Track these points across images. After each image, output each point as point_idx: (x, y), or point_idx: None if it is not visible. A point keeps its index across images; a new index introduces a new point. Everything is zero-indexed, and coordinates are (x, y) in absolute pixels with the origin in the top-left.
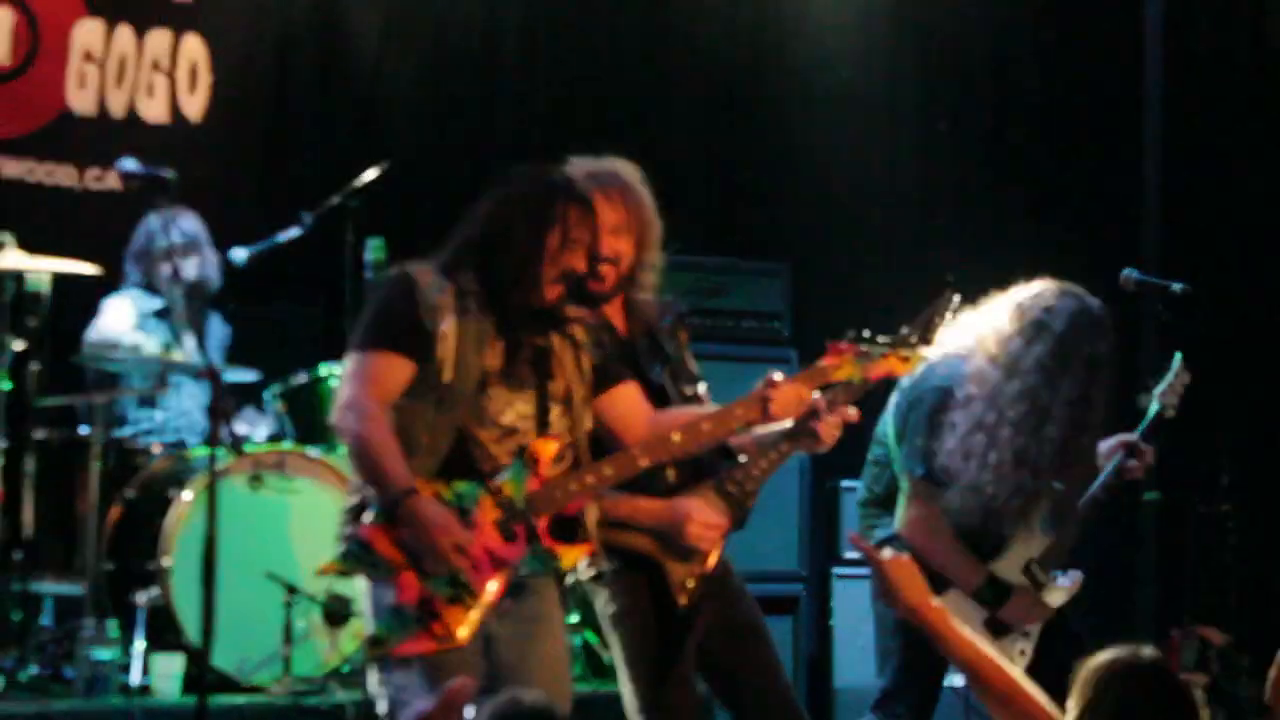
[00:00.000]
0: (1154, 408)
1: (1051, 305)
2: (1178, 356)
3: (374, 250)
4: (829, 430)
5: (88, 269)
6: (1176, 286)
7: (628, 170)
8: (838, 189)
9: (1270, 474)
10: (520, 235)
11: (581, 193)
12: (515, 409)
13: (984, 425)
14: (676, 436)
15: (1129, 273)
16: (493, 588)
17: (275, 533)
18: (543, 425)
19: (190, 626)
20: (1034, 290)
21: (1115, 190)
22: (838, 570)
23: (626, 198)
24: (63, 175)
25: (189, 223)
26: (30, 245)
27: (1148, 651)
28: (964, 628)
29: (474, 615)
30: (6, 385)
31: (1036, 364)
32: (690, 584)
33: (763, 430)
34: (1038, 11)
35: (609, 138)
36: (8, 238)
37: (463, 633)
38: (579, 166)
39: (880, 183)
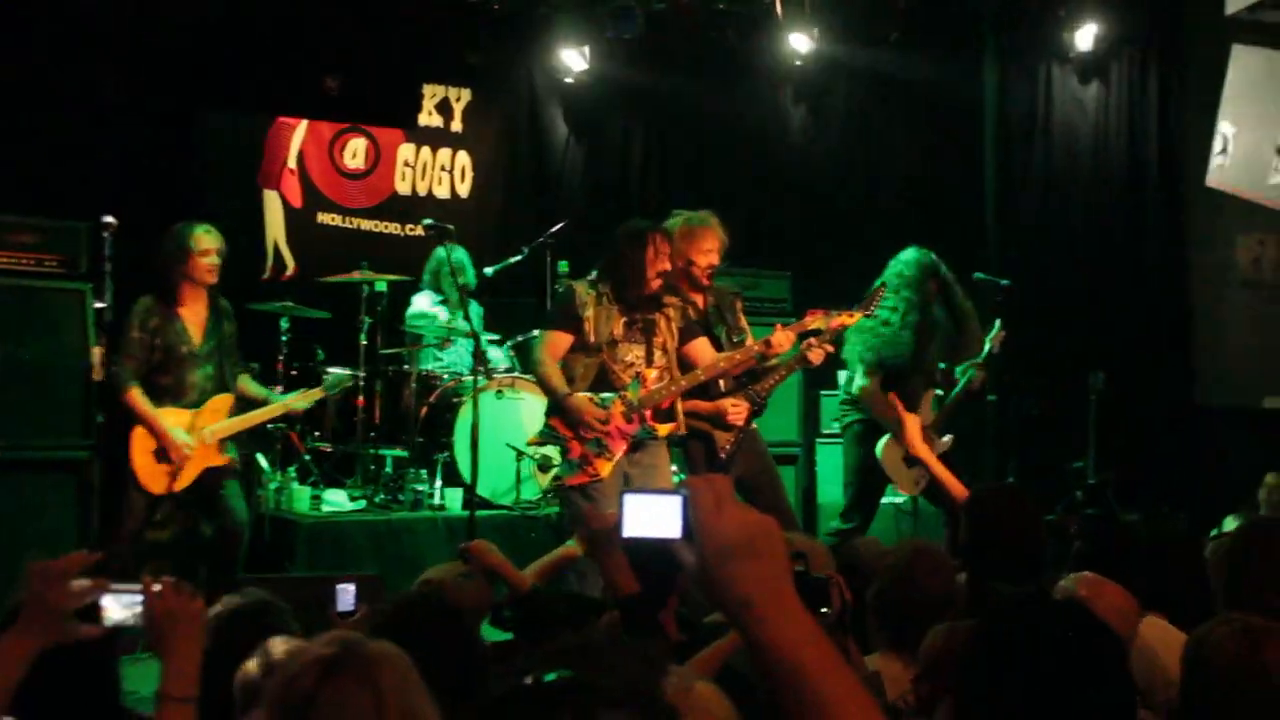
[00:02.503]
0: (986, 348)
1: (907, 261)
2: (997, 322)
3: (561, 268)
4: (816, 356)
5: (405, 278)
6: (1004, 282)
7: (713, 216)
8: (819, 230)
9: (1065, 391)
10: (627, 255)
11: (660, 229)
12: (633, 353)
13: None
14: (722, 362)
15: (977, 275)
16: (620, 450)
17: (511, 422)
18: (649, 361)
19: (465, 473)
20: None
21: (967, 220)
22: (819, 440)
23: (715, 231)
24: (393, 228)
25: (459, 253)
26: (375, 267)
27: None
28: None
29: (610, 463)
30: (363, 340)
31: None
32: (728, 445)
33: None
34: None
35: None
36: (365, 263)
37: (605, 471)
38: (686, 213)
39: (841, 222)
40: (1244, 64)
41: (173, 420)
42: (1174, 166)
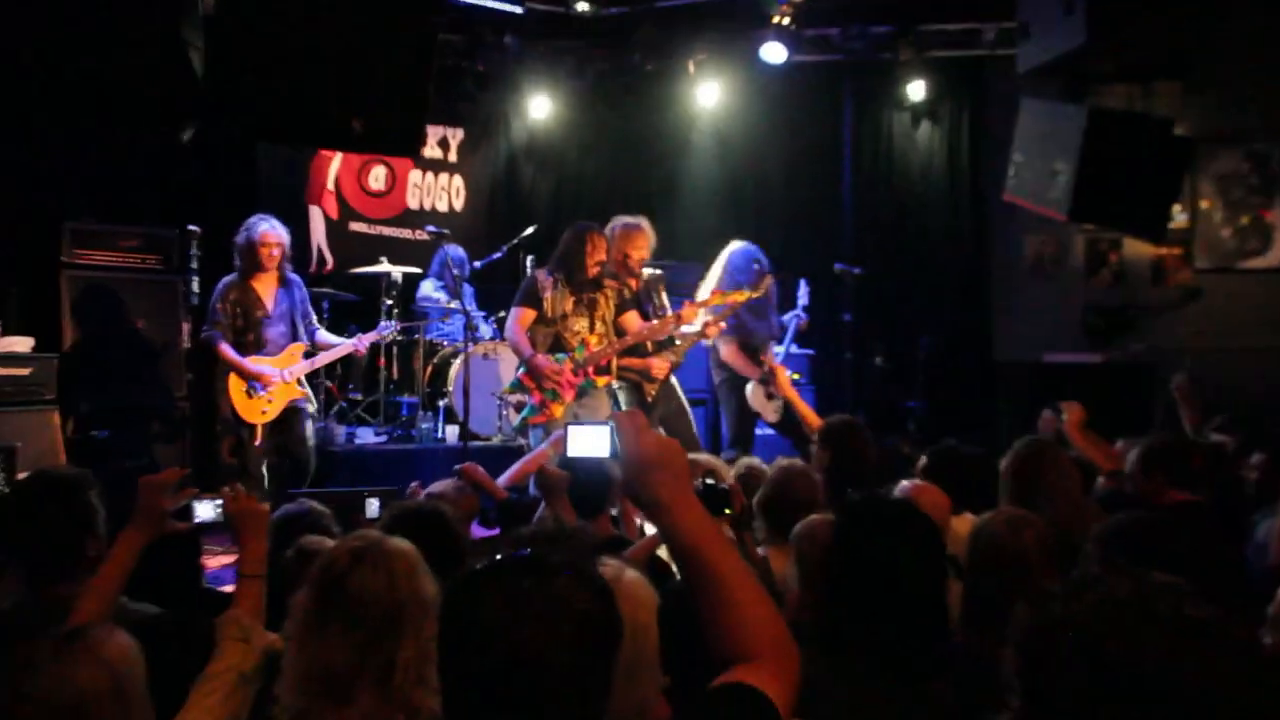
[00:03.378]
0: (799, 302)
1: (733, 250)
2: (802, 281)
3: (529, 261)
4: (712, 331)
5: (416, 270)
6: (858, 270)
7: (645, 222)
8: (723, 231)
9: (902, 350)
10: (573, 249)
11: (597, 229)
12: (579, 324)
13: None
14: (645, 330)
15: (838, 265)
16: (569, 397)
17: (493, 376)
18: (591, 330)
19: (460, 414)
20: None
21: (832, 225)
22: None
23: (646, 234)
24: (405, 233)
25: (456, 251)
26: (393, 262)
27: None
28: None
29: (563, 406)
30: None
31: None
32: (653, 392)
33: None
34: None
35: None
36: (384, 259)
37: (558, 413)
38: (624, 218)
39: (739, 225)
40: (1029, 110)
41: (259, 364)
42: (981, 185)
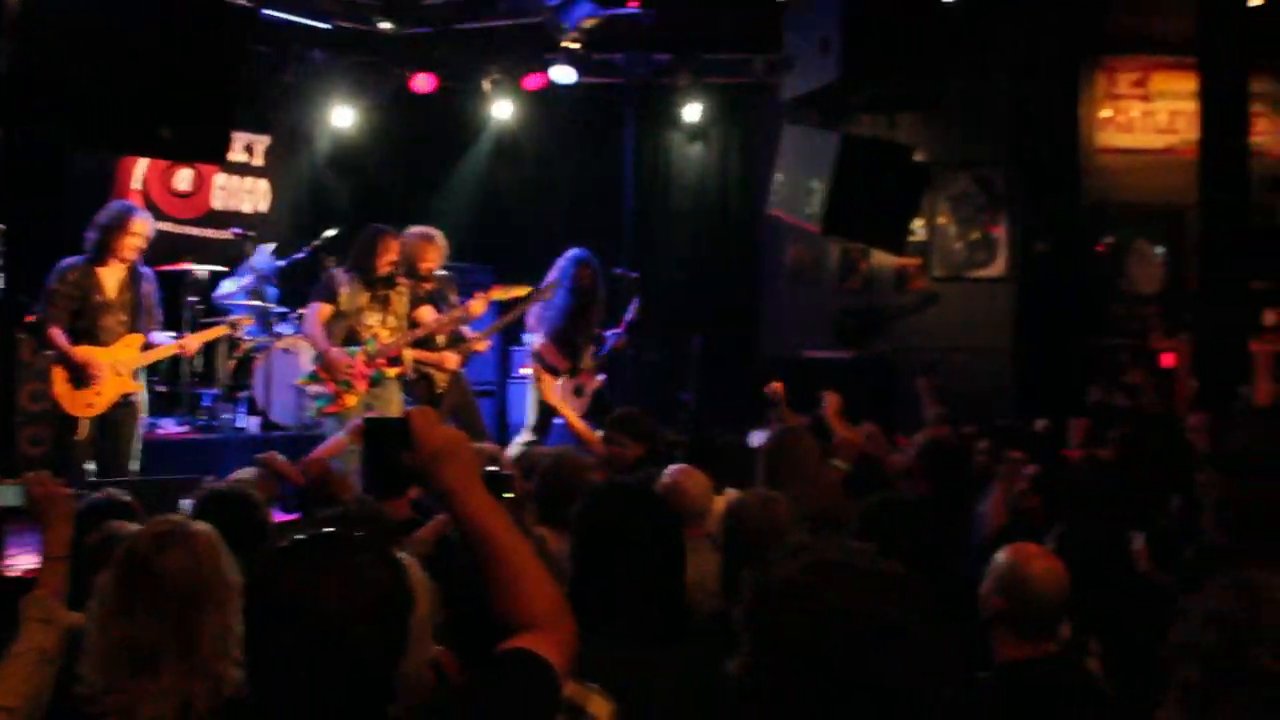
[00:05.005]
0: (625, 318)
1: (570, 257)
2: (634, 301)
3: (331, 261)
4: (480, 345)
5: (221, 268)
6: (635, 274)
7: (438, 234)
8: (511, 237)
9: (677, 348)
10: (366, 249)
11: (388, 231)
12: (373, 318)
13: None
14: (434, 324)
15: (615, 270)
16: (362, 387)
17: (294, 368)
18: (384, 325)
19: (261, 404)
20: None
21: (613, 233)
22: (510, 380)
23: (437, 244)
24: (210, 233)
25: (264, 255)
26: (199, 260)
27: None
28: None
29: (356, 397)
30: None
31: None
32: (444, 384)
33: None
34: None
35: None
36: (191, 259)
37: (351, 403)
38: (418, 229)
39: (526, 232)
40: (790, 135)
41: (89, 354)
42: (749, 199)
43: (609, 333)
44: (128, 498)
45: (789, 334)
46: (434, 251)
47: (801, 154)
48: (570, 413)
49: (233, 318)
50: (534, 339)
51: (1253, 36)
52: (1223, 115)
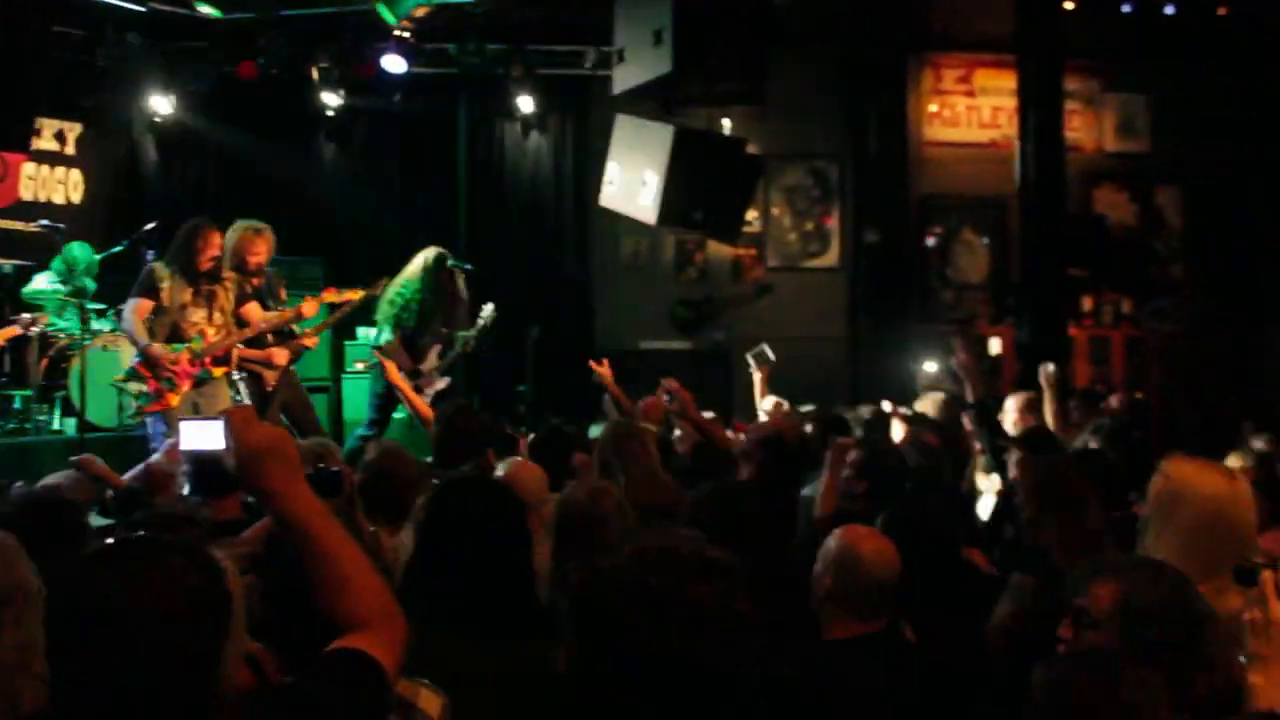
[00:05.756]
0: (480, 323)
1: (427, 255)
2: (489, 306)
3: (151, 255)
4: (309, 342)
5: (28, 262)
6: (469, 266)
7: (266, 228)
8: (342, 230)
9: (512, 340)
10: (188, 242)
11: (209, 225)
12: (198, 314)
13: None
14: (262, 323)
15: (450, 261)
16: (186, 386)
17: (112, 367)
18: (210, 321)
19: (77, 405)
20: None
21: (445, 224)
22: (344, 375)
23: (265, 238)
24: (18, 224)
25: (79, 246)
26: (4, 254)
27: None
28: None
29: (178, 396)
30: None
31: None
32: (273, 381)
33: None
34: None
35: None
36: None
37: (174, 402)
38: (244, 222)
39: (357, 224)
40: (622, 126)
41: None
42: (583, 191)
43: (460, 336)
44: None
45: (626, 325)
46: (262, 245)
47: (635, 146)
48: (412, 392)
49: (26, 316)
50: (381, 335)
51: (1068, 36)
52: (1040, 112)
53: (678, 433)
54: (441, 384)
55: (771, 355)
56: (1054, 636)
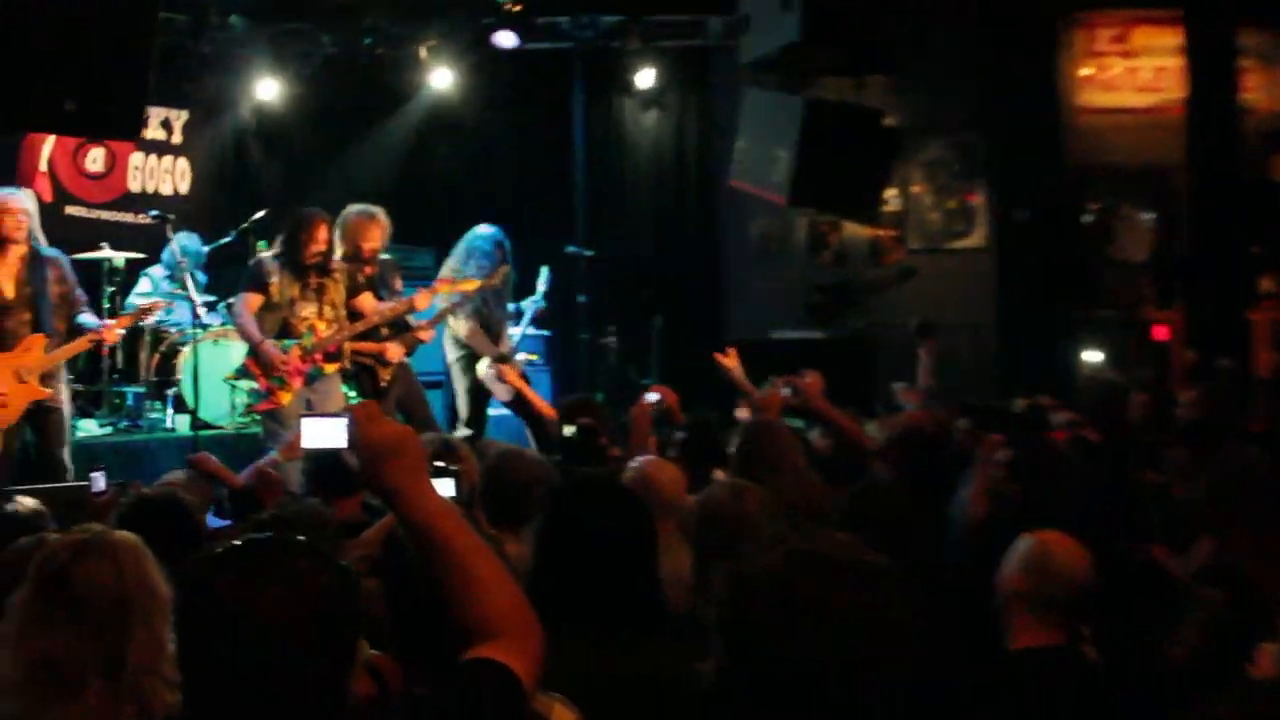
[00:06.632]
0: (540, 289)
1: (484, 235)
2: (544, 269)
3: (260, 246)
4: (425, 335)
5: (139, 256)
6: (589, 253)
7: (380, 212)
8: (455, 216)
9: (636, 331)
10: (294, 235)
11: (318, 215)
12: (308, 309)
13: None
14: (375, 316)
15: (569, 248)
16: (298, 383)
17: (224, 363)
18: (320, 316)
19: (190, 402)
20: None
21: (562, 209)
22: None
23: (379, 224)
24: (126, 217)
25: (189, 240)
26: (114, 248)
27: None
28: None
29: (290, 394)
30: (105, 304)
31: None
32: (387, 377)
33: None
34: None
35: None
36: (107, 245)
37: (285, 400)
38: (357, 207)
39: (472, 211)
40: (751, 100)
41: None
42: (708, 170)
43: (526, 303)
44: (37, 506)
45: (756, 313)
46: (376, 231)
47: (764, 120)
48: (533, 393)
49: (144, 303)
50: (458, 325)
51: None
52: (1211, 71)
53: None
54: (525, 358)
55: (932, 326)
56: (1246, 661)
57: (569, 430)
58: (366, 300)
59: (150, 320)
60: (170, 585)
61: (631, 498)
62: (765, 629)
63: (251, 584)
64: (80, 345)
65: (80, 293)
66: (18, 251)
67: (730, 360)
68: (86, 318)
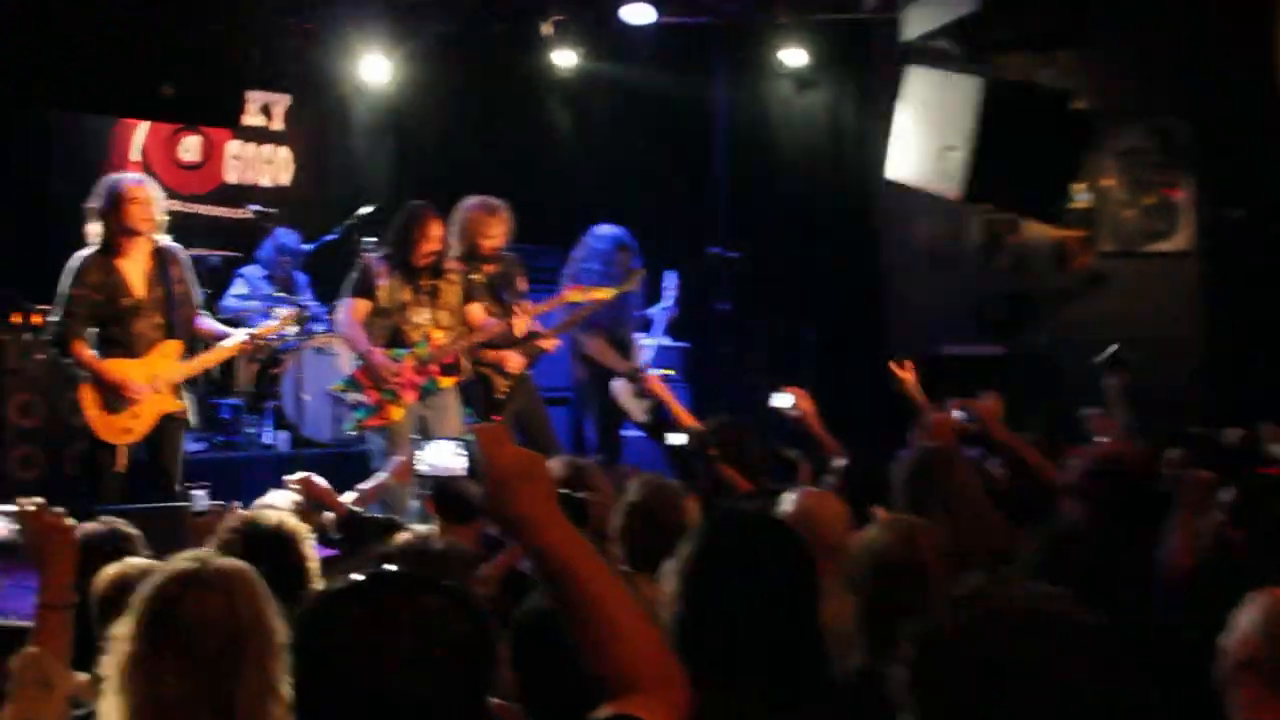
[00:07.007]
0: (672, 295)
1: (598, 236)
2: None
3: (366, 245)
4: (548, 344)
5: (235, 254)
6: (734, 255)
7: (503, 205)
8: (582, 214)
9: (783, 345)
10: (404, 233)
11: (430, 212)
12: (421, 315)
13: None
14: (496, 327)
15: (711, 249)
16: (410, 398)
17: (329, 373)
18: (436, 323)
19: (291, 417)
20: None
21: (701, 205)
22: None
23: (502, 218)
24: (223, 211)
25: (289, 235)
26: (209, 245)
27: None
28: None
29: (402, 409)
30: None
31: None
32: (505, 388)
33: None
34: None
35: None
36: (199, 241)
37: (397, 416)
38: (476, 199)
39: (599, 208)
40: (917, 80)
41: (123, 370)
42: (868, 162)
43: (658, 309)
44: (131, 530)
45: (922, 325)
46: (497, 225)
47: (933, 104)
48: (680, 407)
49: (287, 312)
50: (583, 340)
51: None
52: None
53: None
54: (662, 373)
55: (1126, 358)
56: None
57: (677, 439)
58: (475, 311)
59: (293, 330)
60: (284, 622)
61: (793, 535)
62: (964, 699)
63: (378, 627)
64: (223, 354)
65: (199, 292)
66: (147, 246)
67: (907, 373)
68: (208, 323)
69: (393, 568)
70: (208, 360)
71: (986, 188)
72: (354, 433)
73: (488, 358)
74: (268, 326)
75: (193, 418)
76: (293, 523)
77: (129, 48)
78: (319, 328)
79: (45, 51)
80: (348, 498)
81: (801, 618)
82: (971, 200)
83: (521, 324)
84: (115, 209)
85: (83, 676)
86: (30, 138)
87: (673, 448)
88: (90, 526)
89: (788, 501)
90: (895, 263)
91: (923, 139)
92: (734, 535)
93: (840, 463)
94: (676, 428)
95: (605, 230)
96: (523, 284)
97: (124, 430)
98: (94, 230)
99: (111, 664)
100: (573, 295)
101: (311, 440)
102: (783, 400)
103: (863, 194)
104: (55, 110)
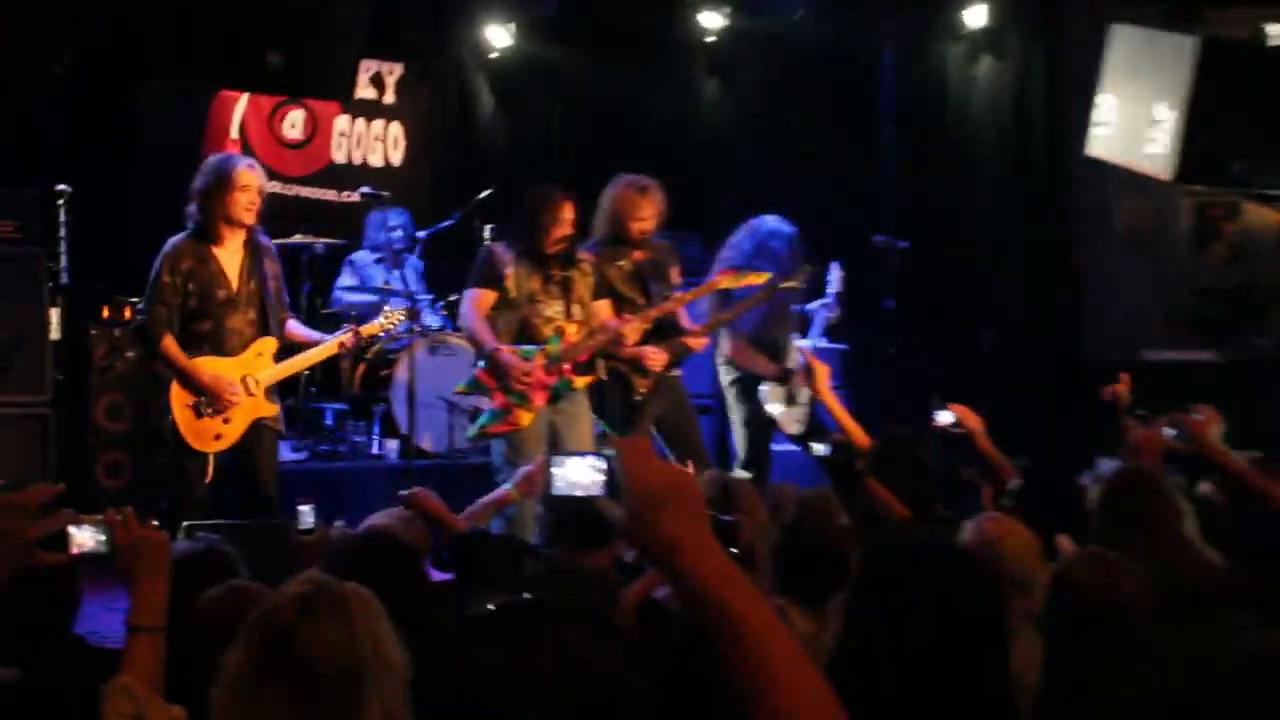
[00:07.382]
0: (830, 289)
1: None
2: (834, 265)
3: (490, 233)
4: (695, 343)
5: (342, 241)
6: (903, 243)
7: (654, 185)
8: (730, 194)
9: (957, 347)
10: (533, 217)
11: (562, 195)
12: (552, 308)
13: None
14: (626, 325)
15: (877, 237)
16: (540, 400)
17: (444, 375)
18: (568, 316)
19: (402, 424)
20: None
21: (866, 187)
22: None
23: (652, 199)
24: (329, 194)
25: (395, 215)
26: (313, 231)
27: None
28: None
29: (531, 413)
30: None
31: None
32: (644, 389)
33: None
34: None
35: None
36: (303, 228)
37: (525, 421)
38: (628, 177)
39: (748, 187)
40: (1122, 41)
41: (216, 370)
42: (1059, 136)
43: (812, 306)
44: (228, 548)
45: (1122, 326)
46: (649, 207)
47: (1139, 68)
48: (846, 414)
49: (399, 308)
50: (724, 340)
51: None
52: None
53: (1205, 485)
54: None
55: None
56: None
57: (820, 448)
58: (602, 309)
59: (400, 326)
60: (404, 650)
61: (980, 567)
62: None
63: (519, 662)
64: (323, 352)
65: (286, 293)
66: (242, 235)
67: (1121, 385)
68: (299, 327)
69: (529, 595)
70: (306, 360)
71: (1201, 166)
72: (475, 441)
73: (624, 354)
74: (374, 325)
75: (281, 424)
76: (408, 542)
77: (231, 13)
78: (435, 323)
79: (138, 19)
80: (464, 514)
81: (987, 664)
82: (1184, 180)
83: (635, 329)
84: (221, 193)
85: (177, 710)
86: (117, 115)
87: (820, 459)
88: (183, 544)
89: (968, 530)
90: (1089, 253)
91: (1127, 110)
92: (909, 564)
93: (1016, 483)
94: (825, 437)
95: (776, 225)
96: (676, 275)
97: (214, 437)
98: (192, 211)
99: (218, 695)
100: (725, 280)
101: (424, 450)
102: (945, 417)
103: (1054, 174)
104: (146, 84)
